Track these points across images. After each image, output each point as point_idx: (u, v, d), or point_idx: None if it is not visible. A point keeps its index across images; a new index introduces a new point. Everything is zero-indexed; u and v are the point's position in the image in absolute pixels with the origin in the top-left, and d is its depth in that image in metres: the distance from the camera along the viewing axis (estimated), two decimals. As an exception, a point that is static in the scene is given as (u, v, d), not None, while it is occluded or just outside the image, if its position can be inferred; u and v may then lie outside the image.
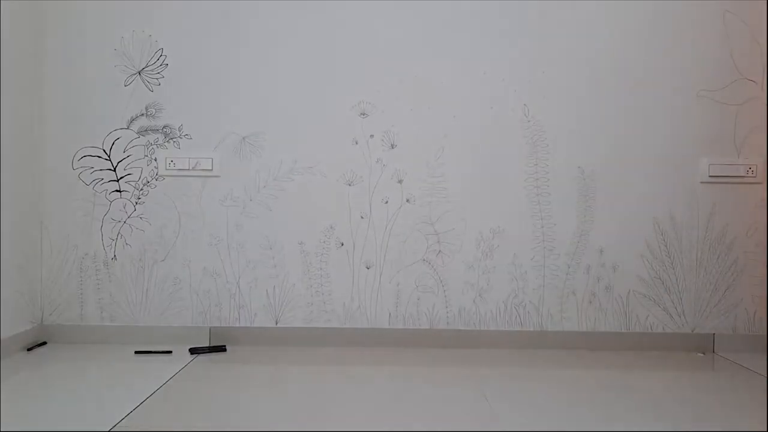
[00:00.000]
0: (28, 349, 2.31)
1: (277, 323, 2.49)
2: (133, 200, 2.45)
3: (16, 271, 2.27)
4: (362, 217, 2.48)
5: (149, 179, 2.44)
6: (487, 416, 1.72)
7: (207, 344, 2.44)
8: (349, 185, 2.48)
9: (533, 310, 2.49)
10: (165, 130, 2.46)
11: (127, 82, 2.45)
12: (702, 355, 2.43)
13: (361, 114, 2.47)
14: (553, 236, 2.48)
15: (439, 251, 2.49)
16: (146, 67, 2.45)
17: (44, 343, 2.39)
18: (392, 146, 2.47)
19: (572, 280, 2.48)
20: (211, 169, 2.45)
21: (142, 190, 2.45)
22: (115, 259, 2.46)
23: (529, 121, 2.47)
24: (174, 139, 2.46)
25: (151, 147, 2.44)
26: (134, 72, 2.45)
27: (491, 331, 2.48)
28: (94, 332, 2.45)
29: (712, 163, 2.45)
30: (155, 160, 2.45)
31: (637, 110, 2.46)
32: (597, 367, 2.25)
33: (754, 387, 2.04)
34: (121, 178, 2.43)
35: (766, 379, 2.11)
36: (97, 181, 2.45)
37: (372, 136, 2.47)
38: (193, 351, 2.33)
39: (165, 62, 2.45)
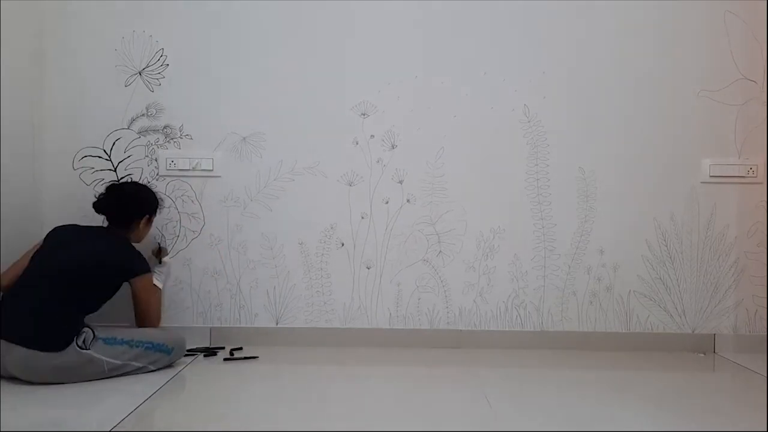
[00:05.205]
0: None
1: (277, 323, 2.49)
2: (134, 200, 2.44)
3: (16, 271, 2.26)
4: (363, 218, 2.48)
5: (150, 180, 2.44)
6: (487, 416, 1.72)
7: (206, 344, 2.44)
8: (350, 185, 2.48)
9: (534, 310, 2.49)
10: (165, 130, 2.46)
11: (127, 82, 2.45)
12: (702, 355, 2.43)
13: (362, 114, 2.47)
14: (554, 236, 2.48)
15: (440, 251, 2.49)
16: (147, 67, 2.45)
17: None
18: (393, 146, 2.47)
19: (573, 280, 2.48)
20: (212, 170, 2.45)
21: (142, 190, 2.44)
22: (116, 259, 2.45)
23: (529, 121, 2.47)
24: (174, 140, 2.46)
25: (151, 147, 2.45)
26: (135, 72, 2.45)
27: (492, 331, 2.48)
28: (95, 332, 2.44)
29: (712, 163, 2.45)
30: (156, 160, 2.45)
31: (637, 110, 2.46)
32: (597, 367, 2.25)
33: (754, 387, 2.04)
34: (122, 178, 2.43)
35: (766, 379, 2.11)
36: (97, 181, 2.44)
37: (372, 136, 2.47)
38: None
39: (165, 62, 2.45)
